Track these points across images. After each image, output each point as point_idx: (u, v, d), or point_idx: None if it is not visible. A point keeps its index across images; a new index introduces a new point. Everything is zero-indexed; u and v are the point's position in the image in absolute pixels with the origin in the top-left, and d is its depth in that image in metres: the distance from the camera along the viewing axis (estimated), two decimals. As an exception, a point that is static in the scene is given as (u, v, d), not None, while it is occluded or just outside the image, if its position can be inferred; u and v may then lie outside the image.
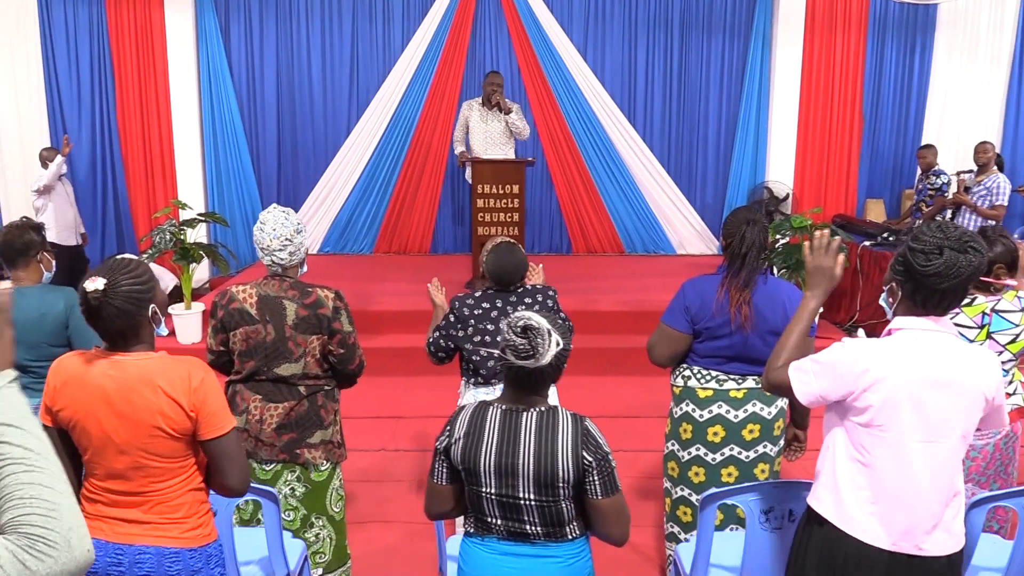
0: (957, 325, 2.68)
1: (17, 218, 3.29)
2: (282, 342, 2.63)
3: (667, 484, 2.99)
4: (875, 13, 7.65)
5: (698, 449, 2.83)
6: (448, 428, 1.94)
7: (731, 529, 2.81)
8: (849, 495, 1.86)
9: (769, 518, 2.38)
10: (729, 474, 2.81)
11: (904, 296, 1.85)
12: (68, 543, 1.03)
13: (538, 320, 1.83)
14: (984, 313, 2.69)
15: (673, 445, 2.92)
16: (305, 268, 2.81)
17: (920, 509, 1.82)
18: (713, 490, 2.37)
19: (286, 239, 2.64)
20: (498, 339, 1.93)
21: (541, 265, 3.25)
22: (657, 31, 7.72)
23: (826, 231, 2.10)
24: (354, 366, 2.75)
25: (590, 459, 1.84)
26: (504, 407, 1.90)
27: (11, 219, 7.02)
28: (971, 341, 2.68)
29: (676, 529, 2.96)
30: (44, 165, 6.39)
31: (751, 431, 2.78)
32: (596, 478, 1.84)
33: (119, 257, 1.96)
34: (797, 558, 1.99)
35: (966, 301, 2.69)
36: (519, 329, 1.83)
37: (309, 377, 2.69)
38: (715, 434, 2.79)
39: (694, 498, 2.86)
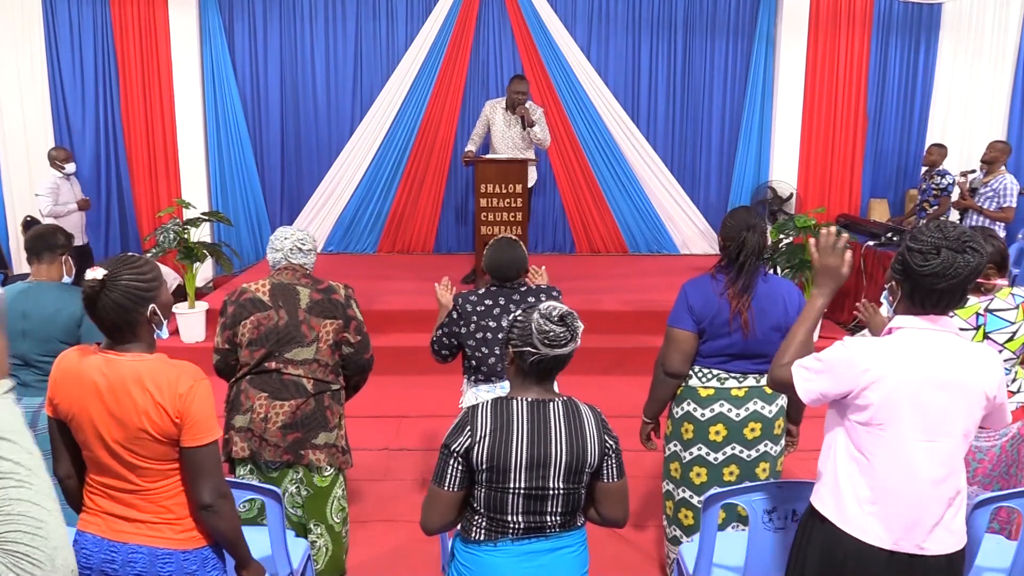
0: None
1: (23, 217, 3.36)
2: (295, 326, 2.67)
3: (669, 486, 2.99)
4: (879, 12, 7.63)
5: (700, 449, 2.83)
6: (468, 429, 1.86)
7: (732, 527, 2.81)
8: (849, 494, 1.87)
9: (772, 518, 2.38)
10: (731, 472, 2.81)
11: (903, 295, 1.86)
12: (52, 562, 1.01)
13: (565, 307, 1.90)
14: (978, 314, 2.68)
15: (675, 446, 2.92)
16: None
17: (921, 508, 1.82)
18: (716, 490, 2.37)
19: (310, 249, 2.87)
20: (516, 332, 1.89)
21: (544, 267, 3.26)
22: (661, 31, 7.71)
23: (832, 228, 2.06)
24: (368, 355, 2.85)
25: (611, 443, 1.93)
26: (530, 399, 1.91)
27: (16, 218, 7.08)
28: None
29: (678, 532, 2.95)
30: (52, 164, 6.39)
31: (752, 429, 2.78)
32: (614, 461, 1.93)
33: (130, 253, 1.95)
34: (798, 555, 2.00)
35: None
36: (556, 318, 1.87)
37: (320, 365, 2.70)
38: (717, 433, 2.79)
39: (695, 500, 2.86)
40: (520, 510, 1.88)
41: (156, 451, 1.82)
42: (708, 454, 2.82)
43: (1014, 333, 2.68)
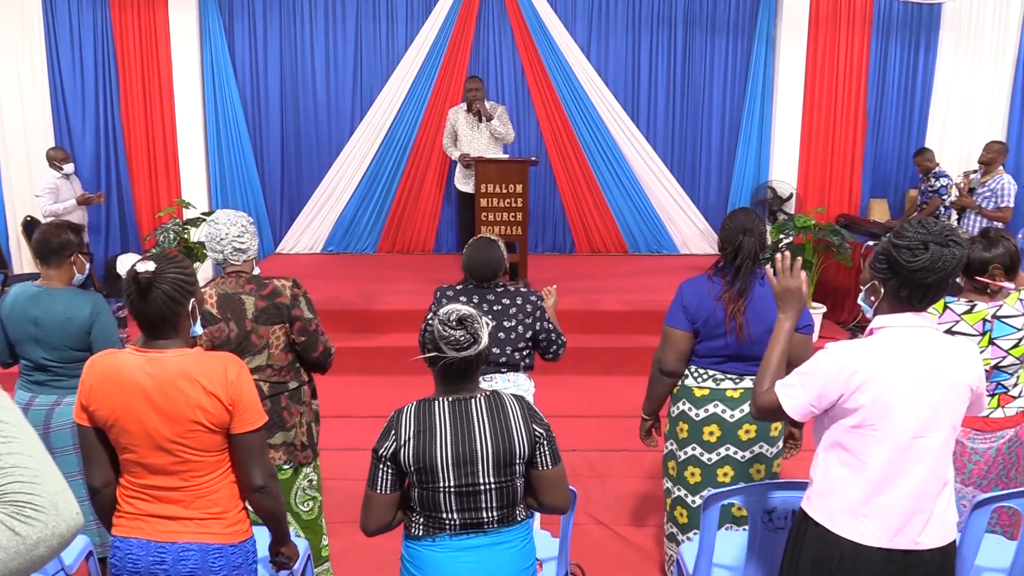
0: (958, 334, 2.67)
1: (23, 217, 3.31)
2: (245, 336, 2.65)
3: (667, 484, 3.00)
4: (879, 12, 7.63)
5: (694, 449, 2.83)
6: (393, 433, 1.92)
7: (727, 528, 2.81)
8: (842, 499, 1.88)
9: (772, 518, 2.38)
10: (725, 474, 2.82)
11: (888, 293, 1.87)
12: (55, 506, 1.03)
13: (466, 309, 1.89)
14: (985, 320, 2.67)
15: (672, 444, 2.93)
16: (257, 270, 2.80)
17: (916, 504, 1.84)
18: (712, 491, 2.38)
19: (248, 246, 2.69)
20: (425, 338, 1.94)
21: (555, 287, 3.26)
22: (661, 30, 7.71)
23: (787, 253, 2.12)
24: (318, 353, 2.72)
25: (541, 431, 1.94)
26: (451, 399, 1.94)
27: (16, 218, 7.08)
28: None
29: (674, 530, 2.97)
30: (51, 165, 6.40)
31: (747, 431, 2.78)
32: (547, 449, 1.95)
33: (167, 250, 2.00)
34: (791, 559, 2.00)
35: (966, 308, 2.69)
36: (454, 323, 1.87)
37: (274, 368, 2.69)
38: (711, 433, 2.80)
39: (690, 499, 2.87)
40: (454, 508, 1.91)
41: (209, 442, 1.88)
42: (702, 454, 2.82)
43: (1020, 340, 2.68)
